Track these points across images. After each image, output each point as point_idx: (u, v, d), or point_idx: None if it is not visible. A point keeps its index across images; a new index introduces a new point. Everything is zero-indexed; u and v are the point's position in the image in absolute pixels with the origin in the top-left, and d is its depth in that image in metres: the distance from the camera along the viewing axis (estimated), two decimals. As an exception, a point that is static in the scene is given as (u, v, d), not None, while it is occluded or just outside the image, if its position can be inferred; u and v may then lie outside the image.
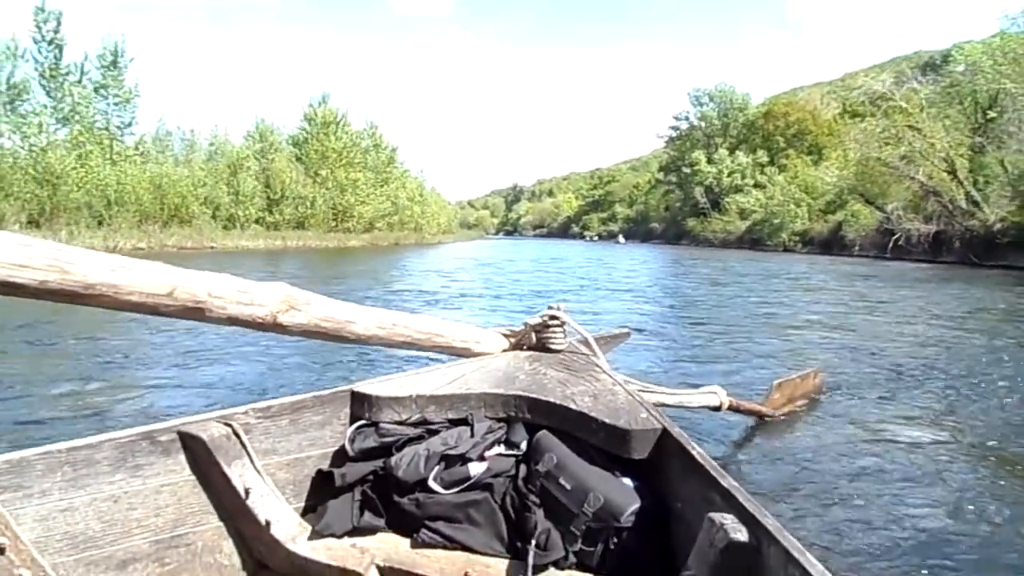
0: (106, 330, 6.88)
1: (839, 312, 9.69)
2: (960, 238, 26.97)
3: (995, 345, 6.99)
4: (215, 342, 6.19)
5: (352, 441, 1.85)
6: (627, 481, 1.59)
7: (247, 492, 1.68)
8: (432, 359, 2.33)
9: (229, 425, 1.74)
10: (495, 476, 1.76)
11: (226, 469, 1.67)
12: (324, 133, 39.37)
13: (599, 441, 1.67)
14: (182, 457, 1.68)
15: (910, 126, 29.90)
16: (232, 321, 1.59)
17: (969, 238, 26.41)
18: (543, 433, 1.81)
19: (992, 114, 29.32)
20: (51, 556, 1.43)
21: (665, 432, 1.60)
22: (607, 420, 1.66)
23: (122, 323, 7.11)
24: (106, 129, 27.84)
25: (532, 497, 1.66)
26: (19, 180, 22.15)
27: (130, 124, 29.38)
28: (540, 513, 1.61)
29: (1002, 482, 3.05)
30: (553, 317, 2.44)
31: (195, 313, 1.47)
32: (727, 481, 1.27)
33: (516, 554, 1.62)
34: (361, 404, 1.91)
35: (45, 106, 25.11)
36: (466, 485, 1.74)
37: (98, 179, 24.83)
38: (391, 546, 1.68)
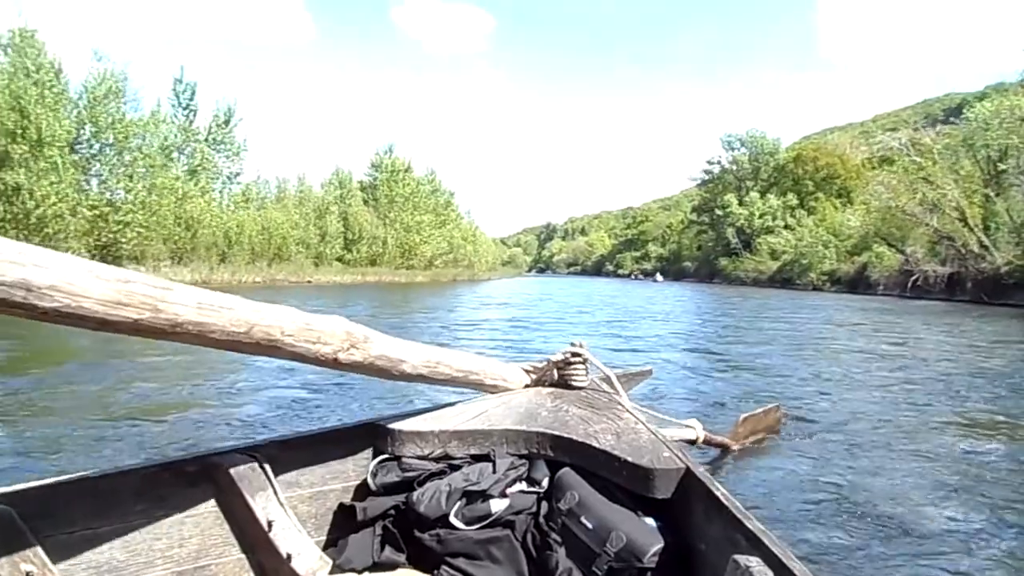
0: (135, 360, 7.38)
1: (864, 344, 10.98)
2: (972, 279, 29.40)
3: (990, 371, 7.99)
4: (241, 374, 6.53)
5: (374, 475, 1.87)
6: (650, 521, 1.57)
7: (270, 524, 1.69)
8: (454, 392, 2.60)
9: (254, 457, 1.76)
10: (516, 513, 1.76)
11: (250, 501, 1.69)
12: (393, 180, 44.18)
13: (621, 480, 1.64)
14: (207, 488, 1.70)
15: (923, 178, 33.10)
16: (298, 358, 1.57)
17: (981, 279, 28.84)
18: (565, 471, 1.79)
19: (1003, 166, 32.32)
20: None
21: (688, 471, 1.57)
22: (629, 458, 1.63)
23: (149, 355, 7.57)
24: (218, 179, 32.68)
25: (554, 535, 1.66)
26: (169, 226, 26.81)
27: (239, 174, 34.48)
28: (562, 552, 1.61)
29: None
30: (575, 354, 2.44)
31: (268, 351, 1.47)
32: (753, 523, 1.25)
33: None
34: (383, 438, 1.91)
35: (176, 161, 29.87)
36: (487, 522, 1.74)
37: (222, 223, 29.60)
38: None
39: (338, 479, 1.95)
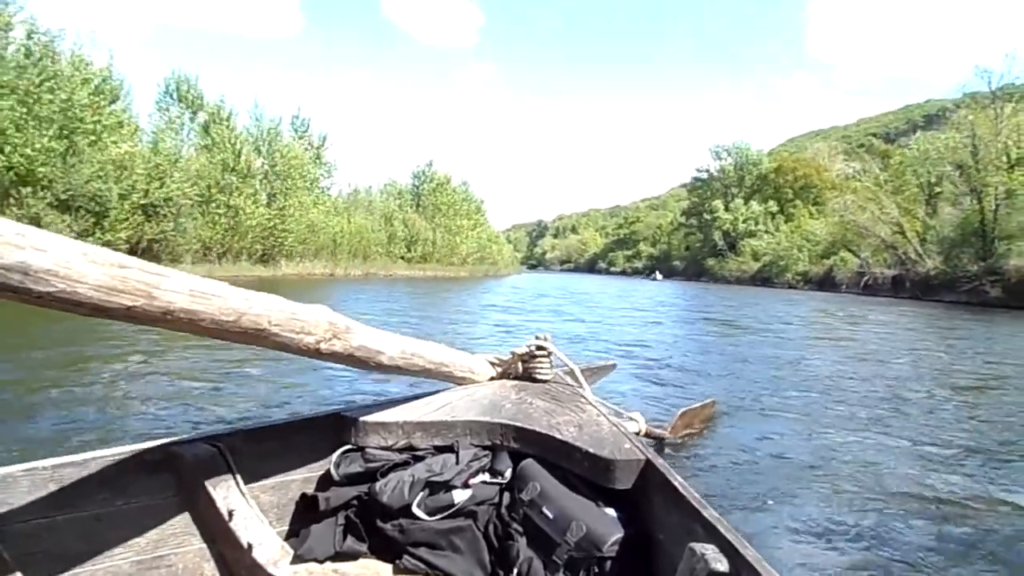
0: (96, 345, 7.03)
1: (809, 336, 12.24)
2: (911, 280, 36.31)
3: (907, 349, 9.26)
4: (203, 362, 6.32)
5: (337, 466, 1.88)
6: (610, 511, 1.59)
7: (231, 514, 1.68)
8: (418, 384, 2.36)
9: (216, 446, 1.76)
10: (479, 504, 1.78)
11: (211, 490, 1.68)
12: (439, 191, 52.47)
13: (583, 471, 1.66)
14: (167, 477, 1.68)
15: (870, 198, 41.33)
16: (282, 347, 1.56)
17: (916, 280, 35.78)
18: (528, 462, 1.81)
19: (938, 189, 40.20)
20: (32, 573, 1.43)
21: (648, 463, 1.59)
22: (591, 450, 1.65)
23: (110, 341, 7.27)
24: (312, 192, 40.37)
25: (515, 525, 1.68)
26: (303, 231, 34.59)
27: (330, 187, 42.15)
28: (523, 541, 1.63)
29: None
30: (540, 347, 2.44)
31: (254, 340, 1.46)
32: (709, 512, 1.28)
33: None
34: (347, 429, 1.91)
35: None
36: (450, 512, 1.75)
37: (333, 228, 37.56)
38: (373, 572, 1.69)
39: (301, 469, 1.94)
